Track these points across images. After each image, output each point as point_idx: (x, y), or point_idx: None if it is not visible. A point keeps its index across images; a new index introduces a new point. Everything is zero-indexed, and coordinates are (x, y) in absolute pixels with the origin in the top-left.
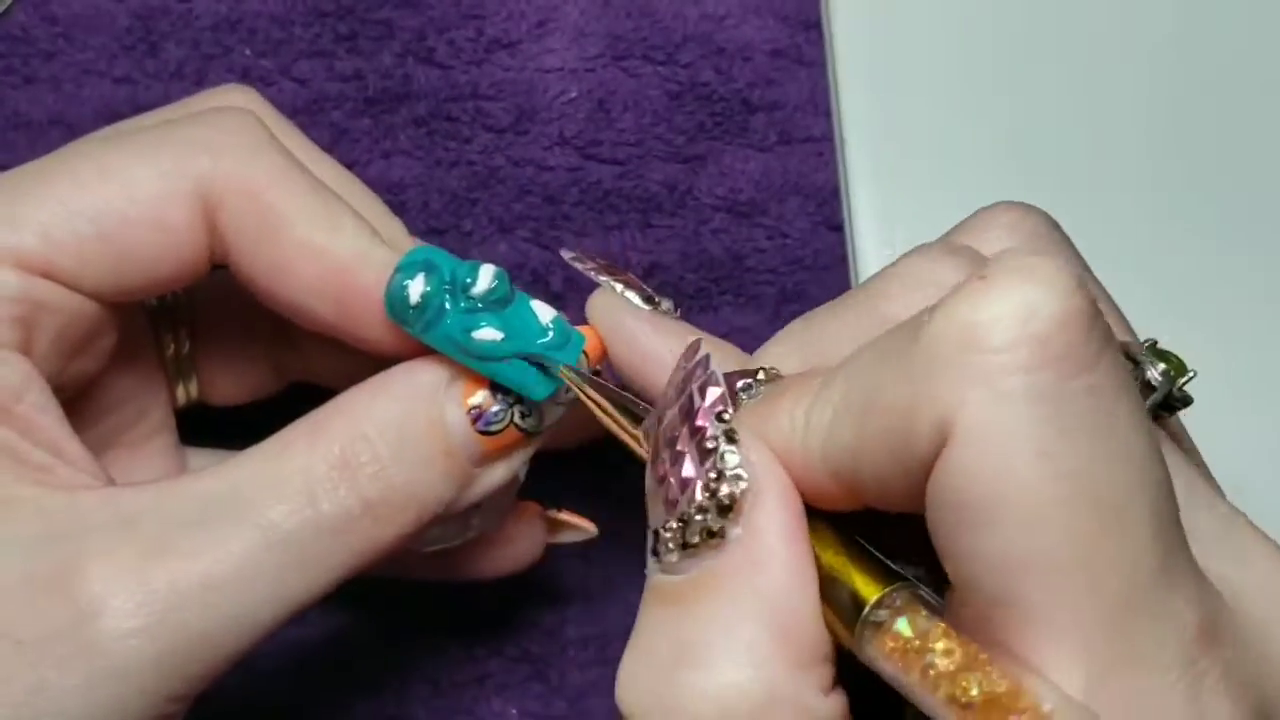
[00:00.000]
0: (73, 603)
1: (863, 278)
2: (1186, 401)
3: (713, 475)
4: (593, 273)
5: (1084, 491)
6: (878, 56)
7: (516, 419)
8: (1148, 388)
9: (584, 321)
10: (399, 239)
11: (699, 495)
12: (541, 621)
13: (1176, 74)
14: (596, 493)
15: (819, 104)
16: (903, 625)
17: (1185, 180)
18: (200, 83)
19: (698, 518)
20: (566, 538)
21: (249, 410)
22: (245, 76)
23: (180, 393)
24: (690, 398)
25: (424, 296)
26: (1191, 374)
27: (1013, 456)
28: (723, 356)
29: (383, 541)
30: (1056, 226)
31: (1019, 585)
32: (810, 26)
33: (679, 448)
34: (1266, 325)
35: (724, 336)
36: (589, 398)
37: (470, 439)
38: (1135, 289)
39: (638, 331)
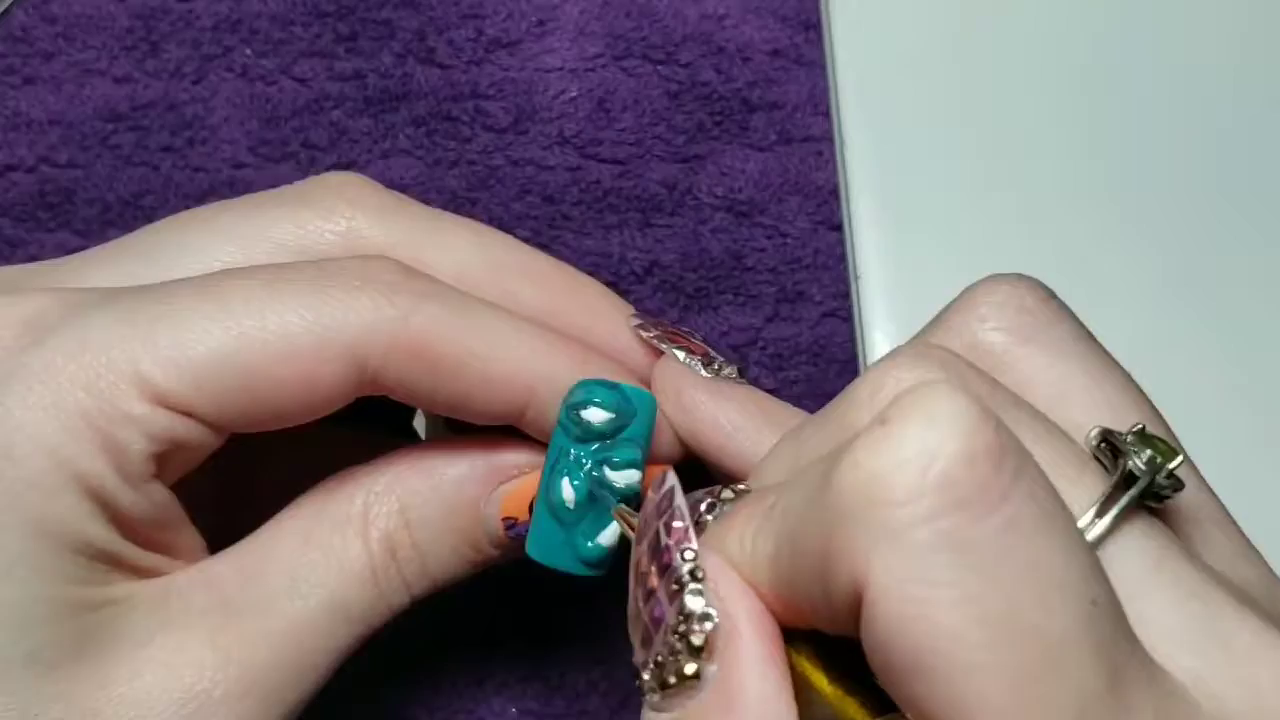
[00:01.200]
0: (179, 695)
1: (862, 278)
2: (1177, 487)
3: (681, 617)
4: (656, 340)
5: (1013, 632)
6: (877, 57)
7: None
8: (1129, 479)
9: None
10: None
11: (671, 638)
12: (541, 620)
13: (1178, 75)
14: None
15: (818, 104)
16: None
17: (1186, 180)
18: (200, 82)
19: (671, 659)
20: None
21: None
22: (245, 76)
23: None
24: (657, 533)
25: (594, 425)
26: (1180, 458)
27: (931, 607)
28: (786, 415)
29: (414, 602)
30: (1050, 297)
31: None
32: (810, 27)
33: (650, 584)
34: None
35: (723, 336)
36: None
37: (499, 539)
38: (1133, 291)
39: (697, 400)
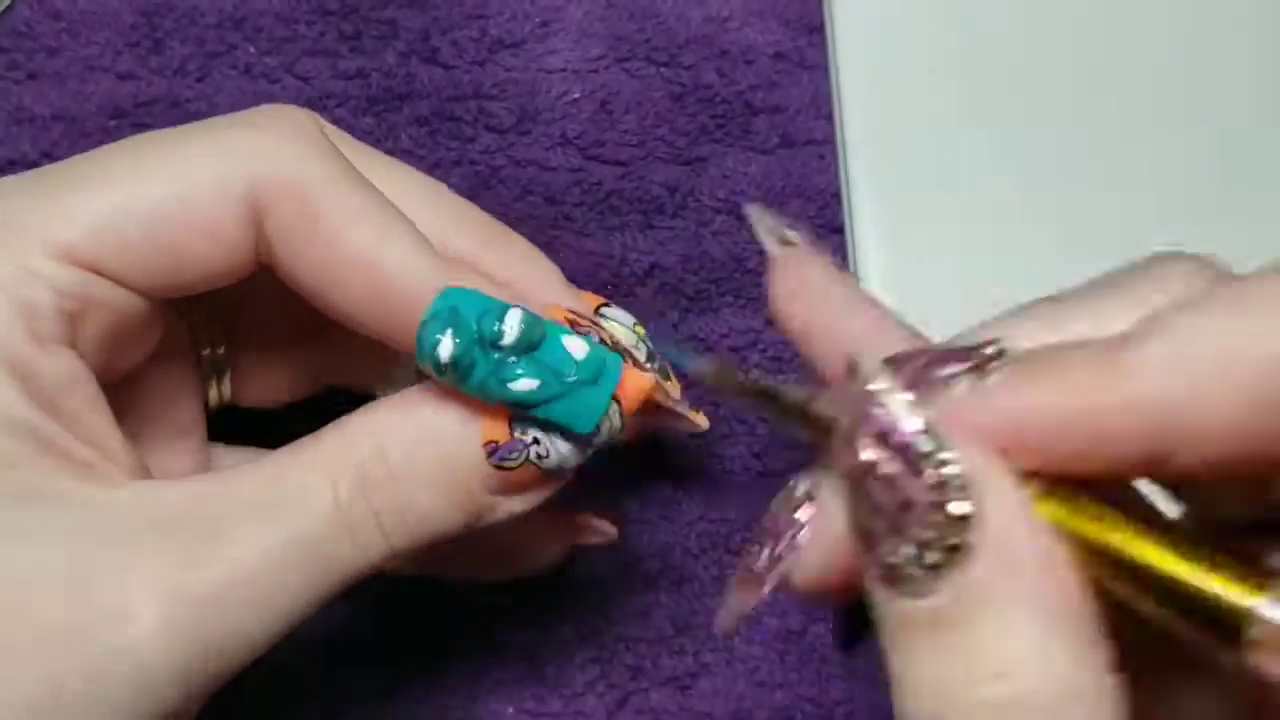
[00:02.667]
0: (106, 603)
1: (863, 280)
2: None
3: (935, 490)
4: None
5: None
6: (879, 60)
7: (532, 457)
8: None
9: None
10: (475, 245)
11: (928, 514)
12: (538, 619)
13: (1181, 77)
14: (593, 500)
15: (821, 107)
16: None
17: (1188, 182)
18: (203, 79)
19: (932, 535)
20: (590, 540)
21: (280, 410)
22: (249, 73)
23: (213, 394)
24: (878, 417)
25: (454, 357)
26: None
27: None
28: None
29: (397, 555)
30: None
31: None
32: (813, 30)
33: (883, 471)
34: None
35: (724, 338)
36: (743, 394)
37: (484, 471)
38: None
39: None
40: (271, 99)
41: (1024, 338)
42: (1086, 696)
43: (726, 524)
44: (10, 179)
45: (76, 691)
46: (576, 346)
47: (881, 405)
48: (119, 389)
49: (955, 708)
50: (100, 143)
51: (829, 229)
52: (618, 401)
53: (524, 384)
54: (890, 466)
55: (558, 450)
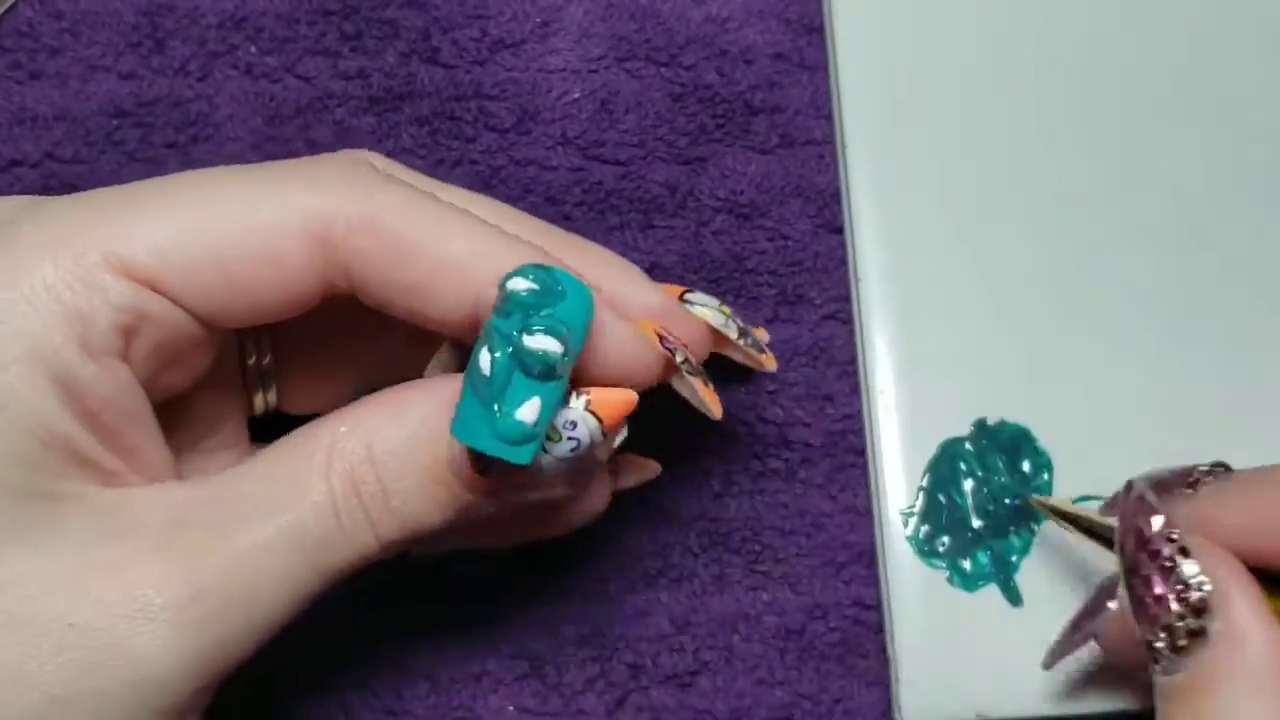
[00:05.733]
0: (121, 598)
1: (863, 281)
2: None
3: (1180, 587)
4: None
5: None
6: (879, 61)
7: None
8: None
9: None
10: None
11: (1174, 606)
12: (539, 618)
13: (1183, 80)
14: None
15: (820, 107)
16: None
17: (1190, 185)
18: (205, 79)
19: (1179, 624)
20: (632, 480)
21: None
22: (250, 73)
23: (259, 401)
24: (1139, 530)
25: (514, 293)
26: None
27: None
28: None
29: (386, 548)
30: None
31: None
32: (813, 30)
33: (1144, 572)
34: None
35: None
36: (1065, 521)
37: (467, 475)
38: (1135, 293)
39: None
40: (273, 99)
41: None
42: None
43: (726, 524)
44: (71, 196)
45: (82, 691)
46: (530, 412)
47: (1145, 519)
48: (167, 405)
49: None
50: (102, 143)
51: (828, 229)
52: (598, 417)
53: (484, 359)
54: (1148, 568)
55: (541, 457)
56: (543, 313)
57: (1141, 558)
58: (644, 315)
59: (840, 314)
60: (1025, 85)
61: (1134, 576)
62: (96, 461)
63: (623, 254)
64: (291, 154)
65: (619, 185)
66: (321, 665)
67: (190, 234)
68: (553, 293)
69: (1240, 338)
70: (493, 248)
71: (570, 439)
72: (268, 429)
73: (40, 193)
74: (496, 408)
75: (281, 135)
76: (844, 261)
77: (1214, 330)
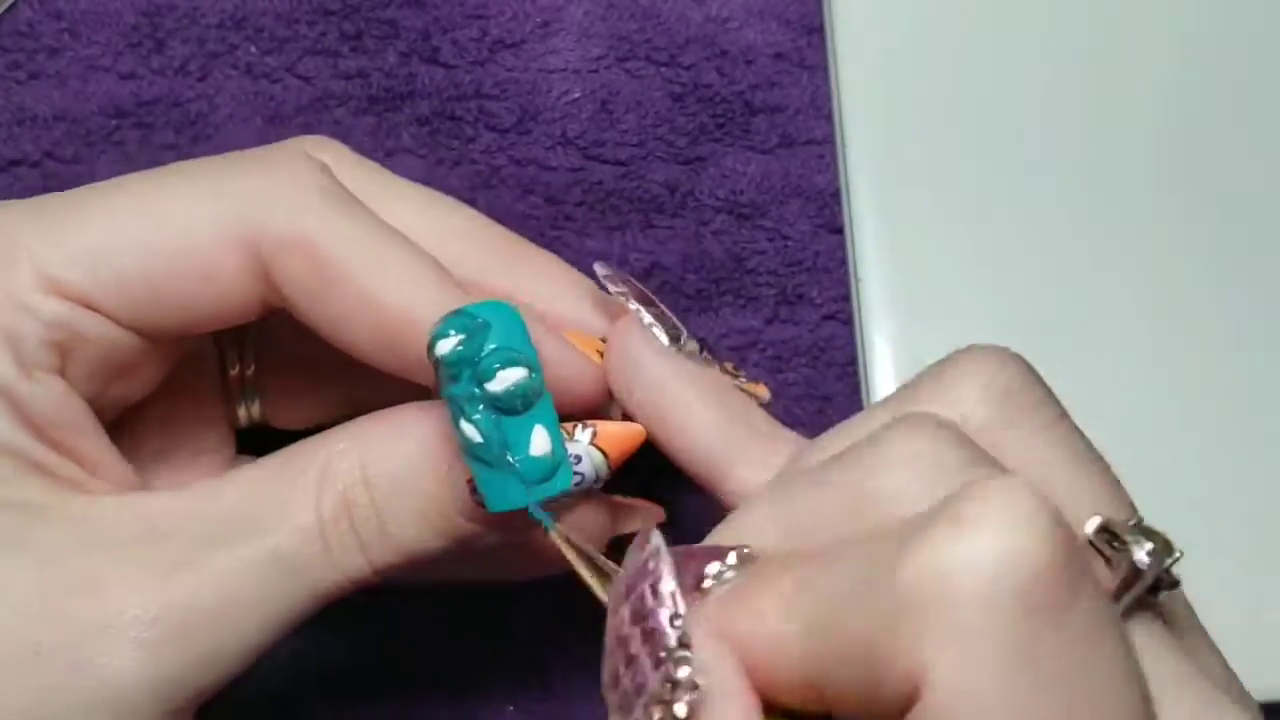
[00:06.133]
0: (81, 616)
1: (863, 281)
2: (1174, 584)
3: (668, 685)
4: (623, 297)
5: None
6: (879, 61)
7: None
8: (1134, 571)
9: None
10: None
11: (654, 706)
12: (541, 620)
13: (1183, 81)
14: None
15: (820, 107)
16: None
17: (1190, 186)
18: (205, 79)
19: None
20: (633, 526)
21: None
22: (250, 73)
23: (242, 413)
24: (642, 597)
25: (447, 357)
26: (1178, 554)
27: (987, 718)
28: (756, 418)
29: (378, 573)
30: (1034, 380)
31: None
32: (813, 31)
33: (632, 650)
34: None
35: (723, 338)
36: (571, 554)
37: (466, 504)
38: (1135, 295)
39: (659, 377)
40: (272, 99)
41: (757, 529)
42: None
43: None
44: (10, 204)
45: (49, 706)
46: (540, 442)
47: (659, 576)
48: (135, 414)
49: None
50: (102, 143)
51: (828, 229)
52: (604, 452)
53: (469, 430)
54: (637, 647)
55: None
56: (484, 351)
57: (632, 631)
58: (576, 327)
59: (840, 314)
60: (1025, 85)
61: (619, 649)
62: (54, 470)
63: (622, 254)
64: None
65: (619, 185)
66: (322, 667)
67: (120, 249)
68: (478, 330)
69: (1243, 338)
70: (424, 282)
71: (575, 473)
72: (263, 444)
73: (40, 193)
74: (511, 461)
75: (281, 135)
76: (844, 261)
77: (1218, 328)
